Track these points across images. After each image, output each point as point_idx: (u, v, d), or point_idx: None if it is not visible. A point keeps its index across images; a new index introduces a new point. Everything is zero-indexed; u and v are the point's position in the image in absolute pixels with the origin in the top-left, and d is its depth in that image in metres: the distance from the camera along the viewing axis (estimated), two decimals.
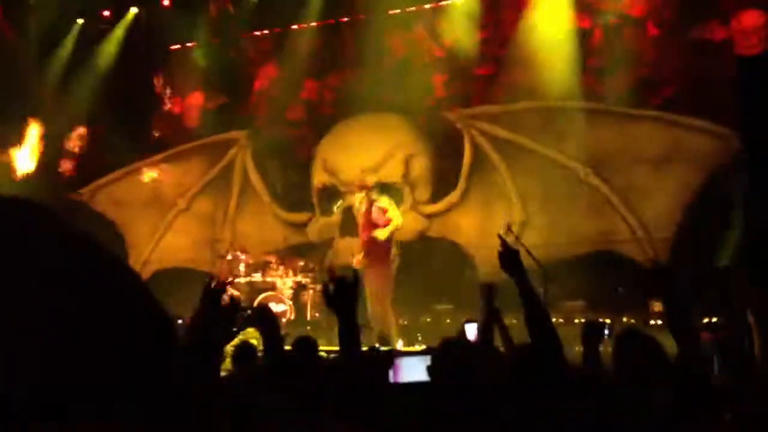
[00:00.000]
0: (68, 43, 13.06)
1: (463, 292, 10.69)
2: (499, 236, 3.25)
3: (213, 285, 3.44)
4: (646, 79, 10.56)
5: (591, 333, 4.01)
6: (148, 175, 10.04)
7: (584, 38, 11.07)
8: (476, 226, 11.35)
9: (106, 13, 13.27)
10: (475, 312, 10.12)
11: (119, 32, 13.21)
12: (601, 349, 4.35)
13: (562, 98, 11.08)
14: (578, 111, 10.89)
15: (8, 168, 12.00)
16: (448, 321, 9.95)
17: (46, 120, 12.73)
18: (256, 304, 10.46)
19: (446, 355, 3.12)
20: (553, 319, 8.64)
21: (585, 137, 10.76)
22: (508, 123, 11.38)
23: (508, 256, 3.06)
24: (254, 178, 12.78)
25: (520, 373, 2.93)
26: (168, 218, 12.94)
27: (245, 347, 4.53)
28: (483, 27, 11.83)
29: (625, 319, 8.98)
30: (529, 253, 8.39)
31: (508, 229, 9.19)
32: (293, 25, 12.93)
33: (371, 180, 11.77)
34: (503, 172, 11.22)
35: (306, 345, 4.17)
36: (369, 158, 11.81)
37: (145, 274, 12.89)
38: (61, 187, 12.72)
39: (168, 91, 13.46)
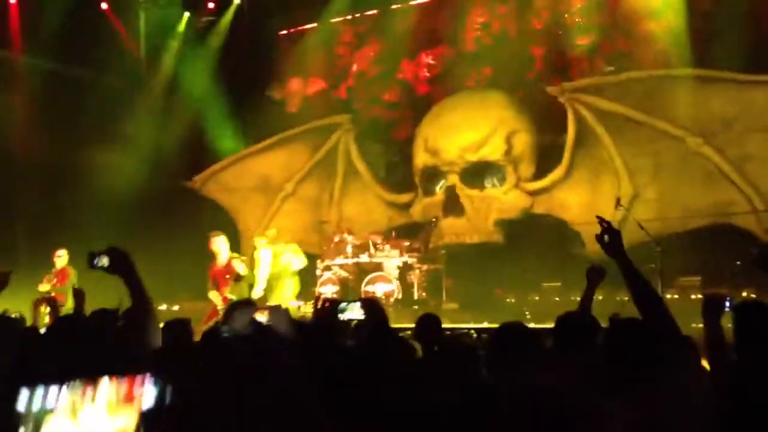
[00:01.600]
0: (177, 37, 13.55)
1: (571, 269, 10.53)
2: (598, 217, 3.17)
3: (321, 305, 3.73)
4: (764, 41, 9.99)
5: (711, 307, 3.85)
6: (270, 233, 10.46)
7: (691, 3, 10.61)
8: (583, 202, 11.14)
9: (211, 5, 13.67)
10: (582, 291, 10.03)
11: (223, 23, 13.60)
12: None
13: (670, 66, 10.69)
14: (687, 78, 10.47)
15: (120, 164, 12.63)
16: (556, 299, 9.83)
17: (158, 113, 13.31)
18: (364, 285, 10.66)
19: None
20: (669, 296, 8.46)
21: (695, 106, 10.34)
22: (613, 94, 11.07)
23: (609, 238, 2.99)
24: (357, 160, 12.97)
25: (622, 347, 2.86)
26: (276, 203, 13.31)
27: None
28: None
29: (744, 294, 8.62)
30: (641, 227, 8.22)
31: (618, 203, 9.01)
32: (389, 5, 12.97)
33: (472, 159, 11.74)
34: (609, 146, 10.94)
35: (430, 321, 4.27)
36: (470, 137, 11.76)
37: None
38: (174, 175, 13.26)
39: (271, 79, 13.78)
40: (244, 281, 8.52)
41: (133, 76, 13.29)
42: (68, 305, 8.70)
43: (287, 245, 10.18)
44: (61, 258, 9.62)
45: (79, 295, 4.84)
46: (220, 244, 8.50)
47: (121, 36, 13.14)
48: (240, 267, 8.31)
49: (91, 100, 12.47)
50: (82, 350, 2.33)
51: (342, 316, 3.80)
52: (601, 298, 9.41)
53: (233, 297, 7.75)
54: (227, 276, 8.29)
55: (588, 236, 10.55)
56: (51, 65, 12.30)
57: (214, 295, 8.29)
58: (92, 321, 3.19)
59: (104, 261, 2.72)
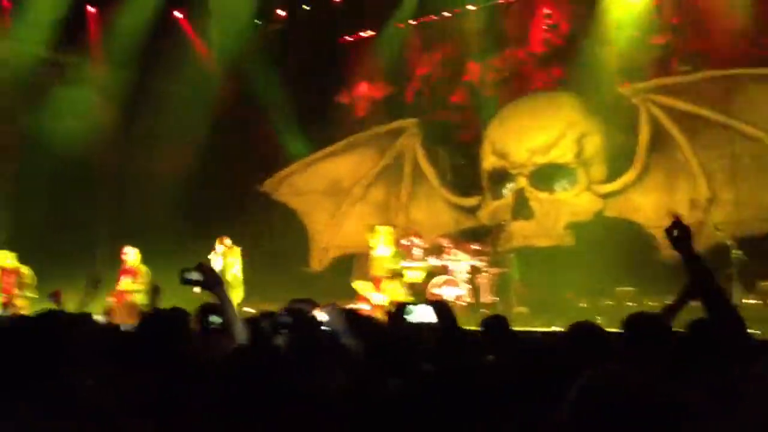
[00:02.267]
0: (247, 45, 13.80)
1: (646, 274, 10.29)
2: (671, 213, 3.09)
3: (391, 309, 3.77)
4: None
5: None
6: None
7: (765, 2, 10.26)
8: (657, 205, 10.87)
9: (281, 12, 13.88)
10: (661, 295, 9.78)
11: (292, 30, 13.79)
12: None
13: (747, 65, 10.35)
14: (764, 78, 10.12)
15: None
16: (630, 304, 9.61)
17: (229, 119, 13.61)
18: (431, 288, 10.64)
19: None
20: (749, 301, 8.17)
21: None
22: (689, 94, 10.79)
23: (678, 232, 2.89)
24: (424, 164, 12.97)
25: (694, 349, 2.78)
26: (345, 206, 13.43)
27: None
28: None
29: None
30: (718, 230, 7.98)
31: (694, 206, 8.77)
32: (455, 9, 12.94)
33: (542, 161, 11.60)
34: (685, 147, 10.65)
35: (497, 323, 4.25)
36: (539, 139, 11.62)
37: (326, 260, 13.50)
38: (245, 180, 13.51)
39: (339, 84, 13.91)
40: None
41: (205, 84, 13.59)
42: (142, 301, 8.93)
43: (233, 251, 10.14)
44: (129, 255, 9.71)
45: (155, 291, 4.98)
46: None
47: (193, 45, 13.47)
48: None
49: (165, 107, 12.83)
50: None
51: (410, 319, 3.79)
52: (656, 304, 9.25)
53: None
54: None
55: (663, 240, 10.27)
56: (127, 74, 12.70)
57: None
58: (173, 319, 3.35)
59: (194, 275, 2.92)
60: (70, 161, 11.54)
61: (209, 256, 9.99)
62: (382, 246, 8.67)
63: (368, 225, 9.52)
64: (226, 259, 10.00)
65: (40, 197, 11.24)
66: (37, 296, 9.21)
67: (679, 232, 2.89)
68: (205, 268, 3.01)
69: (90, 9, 12.84)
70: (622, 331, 3.21)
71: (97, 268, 5.48)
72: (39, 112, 11.62)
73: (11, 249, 9.69)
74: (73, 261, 10.16)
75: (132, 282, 9.50)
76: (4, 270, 9.52)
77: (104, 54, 12.86)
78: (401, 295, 8.33)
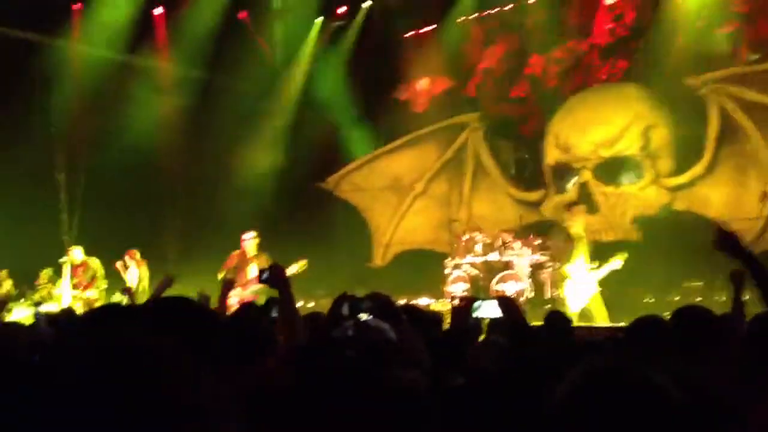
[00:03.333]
0: (309, 41, 13.97)
1: (714, 268, 10.04)
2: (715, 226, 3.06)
3: (458, 305, 3.82)
4: None
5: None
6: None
7: None
8: (726, 198, 10.59)
9: (342, 9, 13.98)
10: (726, 291, 9.54)
11: (354, 27, 13.88)
12: None
13: None
14: None
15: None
16: (698, 299, 9.40)
17: (292, 116, 13.80)
18: (494, 284, 10.59)
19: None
20: None
21: None
22: (758, 84, 10.46)
23: (724, 240, 2.88)
24: (486, 159, 12.91)
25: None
26: (407, 202, 13.46)
27: None
28: None
29: None
30: None
31: (764, 196, 8.54)
32: (516, 2, 12.82)
33: (607, 154, 11.42)
34: (755, 138, 10.34)
35: (559, 319, 4.29)
36: (604, 132, 11.44)
37: (389, 255, 13.57)
38: (308, 177, 13.67)
39: (400, 79, 13.94)
40: None
41: (269, 82, 13.81)
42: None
43: (143, 263, 10.16)
44: (249, 241, 9.52)
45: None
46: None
47: (257, 43, 13.69)
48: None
49: (230, 104, 13.10)
50: None
51: (475, 314, 3.80)
52: (724, 299, 9.03)
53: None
54: None
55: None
56: (194, 73, 12.99)
57: None
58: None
59: (266, 274, 3.32)
60: (139, 159, 11.86)
61: (121, 268, 10.06)
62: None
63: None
64: (140, 270, 10.10)
65: (109, 195, 11.57)
66: (106, 286, 9.50)
67: (722, 241, 2.87)
68: (273, 268, 3.31)
69: (157, 11, 13.17)
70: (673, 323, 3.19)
71: (170, 268, 5.69)
72: (108, 112, 11.97)
73: (87, 246, 10.03)
74: (146, 254, 10.46)
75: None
76: (75, 265, 9.86)
77: (172, 54, 13.18)
78: None
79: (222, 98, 13.10)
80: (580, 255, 9.24)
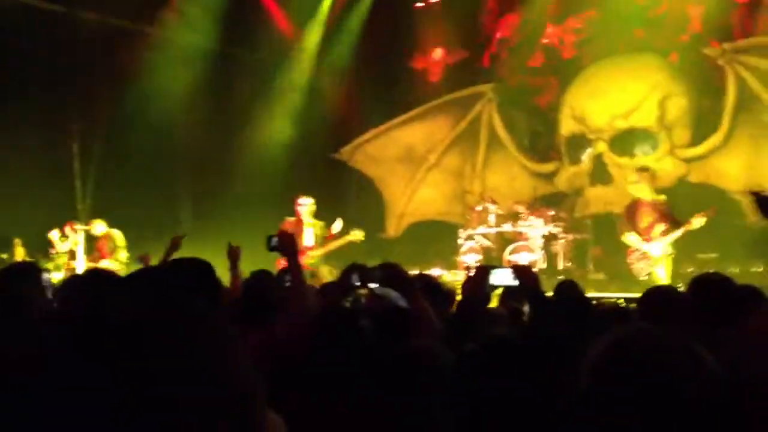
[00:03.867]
0: (322, 11, 13.86)
1: (729, 240, 10.00)
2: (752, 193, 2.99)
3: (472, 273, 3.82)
4: None
5: None
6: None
7: None
8: (743, 170, 10.50)
9: None
10: (741, 262, 9.50)
11: None
12: None
13: None
14: None
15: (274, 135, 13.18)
16: (712, 271, 9.35)
17: (305, 87, 13.75)
18: (507, 254, 10.60)
19: None
20: None
21: None
22: None
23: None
24: (501, 130, 12.83)
25: None
26: (420, 173, 13.43)
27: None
28: None
29: None
30: None
31: None
32: None
33: (623, 125, 11.33)
34: None
35: (570, 288, 4.29)
36: (620, 103, 11.34)
37: (402, 226, 13.59)
38: (322, 148, 13.65)
39: (414, 50, 13.84)
40: None
41: (283, 52, 13.74)
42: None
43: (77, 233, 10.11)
44: (305, 207, 9.21)
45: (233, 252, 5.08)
46: None
47: (270, 14, 13.60)
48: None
49: (243, 76, 13.07)
50: None
51: (491, 281, 3.80)
52: (737, 270, 9.00)
53: None
54: None
55: (748, 205, 9.94)
56: (206, 44, 12.93)
57: None
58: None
59: (274, 241, 3.25)
60: (153, 130, 11.88)
61: (54, 238, 9.96)
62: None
63: None
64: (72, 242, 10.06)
65: (124, 166, 11.60)
66: (128, 260, 9.56)
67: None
68: (282, 235, 3.26)
69: None
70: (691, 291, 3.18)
71: (182, 231, 5.71)
72: (123, 83, 11.96)
73: (102, 217, 10.08)
74: (160, 225, 10.51)
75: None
76: (98, 238, 9.92)
77: (186, 25, 13.11)
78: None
79: (236, 69, 13.07)
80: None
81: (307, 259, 8.88)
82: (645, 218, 8.73)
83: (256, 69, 13.39)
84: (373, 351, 2.46)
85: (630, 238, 8.81)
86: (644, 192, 8.85)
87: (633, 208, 8.89)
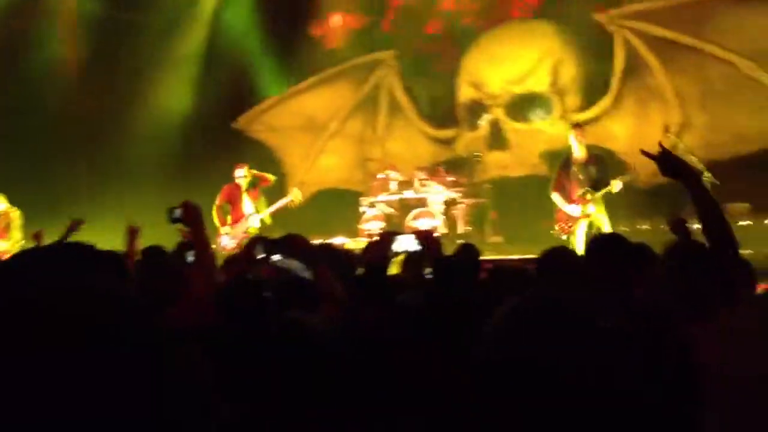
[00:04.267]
0: None
1: (616, 199, 10.40)
2: (660, 144, 3.10)
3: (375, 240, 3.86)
4: None
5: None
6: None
7: None
8: (631, 132, 10.96)
9: None
10: (629, 220, 9.93)
11: None
12: None
13: None
14: (740, 1, 10.10)
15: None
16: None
17: (201, 54, 13.38)
18: (408, 221, 10.72)
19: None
20: None
21: (748, 29, 10.00)
22: (663, 20, 10.75)
23: (669, 161, 2.92)
24: (401, 96, 12.89)
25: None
26: (321, 141, 13.35)
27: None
28: None
29: None
30: (692, 155, 8.07)
31: (667, 131, 8.87)
32: None
33: (517, 91, 11.59)
34: (659, 73, 10.68)
35: (469, 251, 4.41)
36: (514, 69, 11.59)
37: (303, 195, 13.48)
38: (219, 117, 13.36)
39: (312, 15, 13.65)
40: None
41: (178, 18, 13.30)
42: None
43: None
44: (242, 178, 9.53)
45: (133, 232, 4.94)
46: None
47: None
48: None
49: (137, 41, 12.58)
50: None
51: (394, 248, 3.85)
52: (627, 229, 9.44)
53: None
54: None
55: (637, 165, 10.38)
56: (98, 10, 12.37)
57: None
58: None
59: (177, 213, 3.12)
60: (43, 102, 11.35)
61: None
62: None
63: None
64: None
65: (15, 140, 11.05)
66: (22, 240, 9.11)
67: (670, 161, 2.90)
68: (187, 206, 3.13)
69: None
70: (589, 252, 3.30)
71: (80, 214, 5.51)
72: (9, 54, 11.33)
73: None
74: (57, 201, 10.09)
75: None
76: None
77: None
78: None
79: (129, 36, 12.56)
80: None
81: (241, 230, 9.31)
82: (573, 178, 8.32)
83: (150, 35, 12.90)
84: (274, 323, 2.45)
85: (555, 197, 8.47)
86: (581, 149, 8.35)
87: (565, 165, 8.44)
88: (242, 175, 9.57)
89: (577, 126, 8.75)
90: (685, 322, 2.20)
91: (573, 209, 8.33)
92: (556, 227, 8.55)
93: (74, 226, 5.37)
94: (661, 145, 3.01)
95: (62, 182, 11.76)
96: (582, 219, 8.29)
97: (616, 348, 1.12)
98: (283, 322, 2.07)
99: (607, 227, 8.17)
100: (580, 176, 8.30)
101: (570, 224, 8.37)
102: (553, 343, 1.11)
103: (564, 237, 8.37)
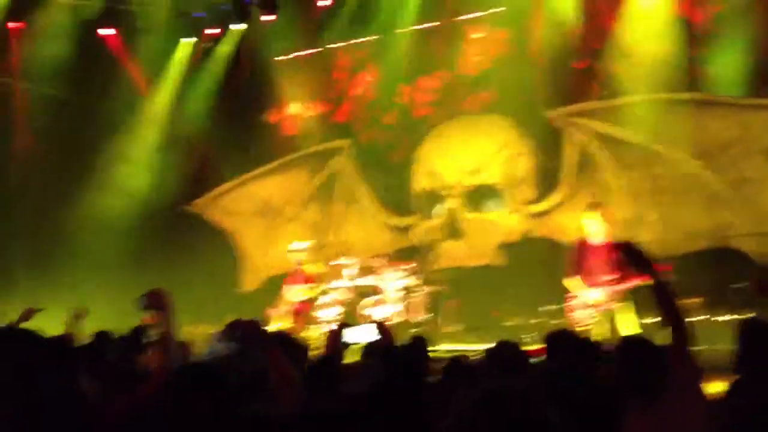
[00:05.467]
0: (176, 63, 13.64)
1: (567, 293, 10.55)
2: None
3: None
4: (763, 65, 10.10)
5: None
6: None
7: (688, 27, 10.73)
8: (581, 226, 11.16)
9: (212, 32, 13.76)
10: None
11: (223, 49, 13.67)
12: None
13: (666, 90, 10.80)
14: (686, 102, 10.57)
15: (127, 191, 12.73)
16: (552, 322, 9.83)
17: (157, 138, 13.40)
18: (360, 309, 10.66)
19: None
20: None
21: (694, 129, 10.44)
22: (611, 118, 11.17)
23: (633, 251, 3.01)
24: (357, 184, 13.02)
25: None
26: (277, 226, 13.33)
27: None
28: (579, 20, 11.62)
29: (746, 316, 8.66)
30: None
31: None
32: (386, 32, 13.06)
33: (472, 182, 11.81)
34: (608, 169, 11.01)
35: (419, 343, 4.43)
36: (470, 160, 11.84)
37: (257, 281, 13.37)
38: (174, 201, 13.29)
39: (270, 103, 13.85)
40: None
41: (133, 102, 13.38)
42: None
43: None
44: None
45: (78, 316, 4.81)
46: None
47: (121, 62, 13.24)
48: None
49: (92, 125, 12.57)
50: None
51: (352, 338, 3.82)
52: None
53: None
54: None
55: None
56: (50, 92, 12.37)
57: None
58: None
59: (145, 301, 3.36)
60: None
61: None
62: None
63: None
64: None
65: None
66: None
67: (635, 253, 2.99)
68: (154, 294, 3.35)
69: (12, 24, 12.48)
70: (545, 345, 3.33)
71: (20, 295, 5.37)
72: None
73: None
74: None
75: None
76: None
77: (26, 72, 12.52)
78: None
79: (82, 118, 12.55)
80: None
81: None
82: (594, 260, 7.16)
83: (106, 118, 12.91)
84: (223, 412, 2.40)
85: (572, 282, 7.28)
86: (599, 232, 7.28)
87: (581, 248, 7.36)
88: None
89: (597, 205, 7.65)
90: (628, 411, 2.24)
91: (595, 294, 7.12)
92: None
93: (28, 314, 5.21)
94: (628, 244, 3.11)
95: (3, 262, 11.50)
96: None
97: None
98: (250, 416, 2.03)
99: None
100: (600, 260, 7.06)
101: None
102: None
103: (583, 327, 7.13)
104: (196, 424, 2.27)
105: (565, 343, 3.45)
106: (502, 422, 1.19)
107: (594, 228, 7.30)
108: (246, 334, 3.35)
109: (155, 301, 3.34)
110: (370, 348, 4.04)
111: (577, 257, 7.31)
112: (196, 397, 2.45)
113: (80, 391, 2.53)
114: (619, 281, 6.87)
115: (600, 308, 7.05)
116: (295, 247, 9.58)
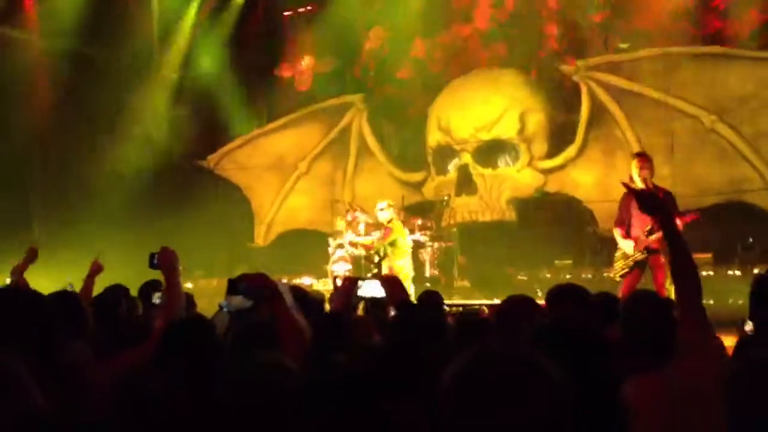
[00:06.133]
0: (189, 17, 13.53)
1: (583, 247, 10.60)
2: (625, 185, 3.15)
3: (341, 284, 3.90)
4: None
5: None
6: None
7: None
8: (595, 180, 11.16)
9: None
10: (594, 267, 10.05)
11: (236, 3, 13.52)
12: None
13: (684, 44, 10.64)
14: (703, 56, 10.42)
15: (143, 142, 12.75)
16: (567, 276, 9.87)
17: (171, 93, 13.38)
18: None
19: None
20: None
21: (711, 84, 10.31)
22: (628, 72, 11.05)
23: (648, 197, 2.96)
24: (370, 139, 13.00)
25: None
26: (290, 181, 13.37)
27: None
28: None
29: (756, 271, 8.64)
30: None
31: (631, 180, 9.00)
32: None
33: (486, 137, 11.75)
34: (623, 124, 10.92)
35: (432, 297, 4.41)
36: (483, 115, 11.76)
37: (270, 235, 13.46)
38: (188, 155, 13.33)
39: (283, 57, 13.76)
40: None
41: (147, 56, 13.32)
42: None
43: None
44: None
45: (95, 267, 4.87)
46: None
47: (135, 16, 13.15)
48: None
49: (107, 79, 12.55)
50: None
51: (359, 293, 3.83)
52: (590, 276, 9.54)
53: None
54: None
55: (600, 214, 10.58)
56: (67, 46, 12.34)
57: None
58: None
59: (156, 259, 3.36)
60: (8, 134, 11.24)
61: None
62: None
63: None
64: None
65: None
66: None
67: (648, 197, 2.96)
68: (162, 253, 3.34)
69: None
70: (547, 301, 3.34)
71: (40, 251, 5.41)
72: None
73: None
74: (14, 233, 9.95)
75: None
76: None
77: (42, 27, 12.46)
78: None
79: (98, 71, 12.53)
80: None
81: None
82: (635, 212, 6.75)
83: (120, 72, 12.89)
84: (231, 366, 2.43)
85: (615, 232, 7.08)
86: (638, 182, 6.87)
87: (625, 199, 7.05)
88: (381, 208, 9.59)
89: (638, 156, 7.30)
90: (631, 373, 2.24)
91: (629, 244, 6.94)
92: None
93: (32, 254, 5.26)
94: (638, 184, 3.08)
95: (24, 219, 11.62)
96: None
97: (564, 401, 1.18)
98: (255, 365, 2.04)
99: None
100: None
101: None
102: (506, 396, 1.18)
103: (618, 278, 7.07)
104: (192, 376, 2.31)
105: (564, 298, 3.42)
106: (493, 385, 1.19)
107: (634, 177, 6.93)
108: (249, 286, 3.34)
109: (163, 260, 3.35)
110: (374, 303, 4.03)
111: (621, 209, 7.08)
112: (189, 350, 2.48)
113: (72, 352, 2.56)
114: (651, 232, 6.71)
115: (634, 259, 6.90)
116: (382, 206, 9.56)
